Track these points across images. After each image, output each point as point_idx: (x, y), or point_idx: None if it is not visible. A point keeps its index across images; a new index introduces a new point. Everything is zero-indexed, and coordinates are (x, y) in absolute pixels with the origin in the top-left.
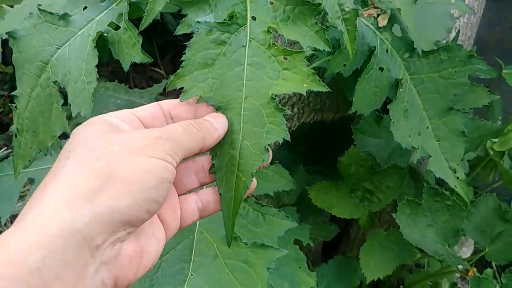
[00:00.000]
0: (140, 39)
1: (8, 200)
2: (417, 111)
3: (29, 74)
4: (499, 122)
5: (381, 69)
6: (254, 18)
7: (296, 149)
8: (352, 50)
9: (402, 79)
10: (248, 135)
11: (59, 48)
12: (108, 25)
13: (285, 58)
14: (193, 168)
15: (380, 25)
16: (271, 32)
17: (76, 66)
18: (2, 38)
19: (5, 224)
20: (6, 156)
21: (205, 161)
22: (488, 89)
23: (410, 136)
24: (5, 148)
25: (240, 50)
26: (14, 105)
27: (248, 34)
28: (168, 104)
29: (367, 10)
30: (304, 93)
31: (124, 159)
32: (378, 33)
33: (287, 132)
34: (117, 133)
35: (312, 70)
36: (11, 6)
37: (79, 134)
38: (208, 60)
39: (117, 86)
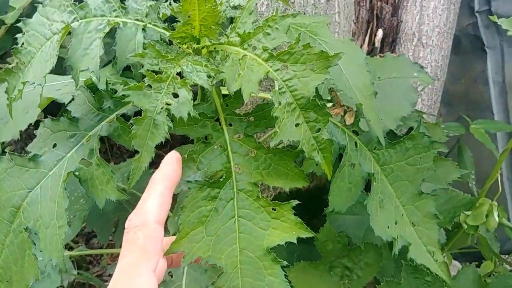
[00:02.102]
0: (114, 176)
1: None
2: (391, 200)
3: (2, 220)
4: (473, 176)
5: (352, 165)
6: (238, 170)
7: None
8: (330, 172)
9: (374, 172)
10: None
11: (30, 191)
12: (80, 162)
13: (274, 209)
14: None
15: (347, 122)
16: (258, 185)
17: (47, 210)
18: None
19: None
20: None
21: None
22: (457, 164)
23: (388, 227)
24: None
25: (229, 204)
26: None
27: (235, 186)
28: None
29: (333, 109)
30: (295, 241)
31: None
32: (346, 130)
33: (287, 282)
34: None
35: (300, 219)
36: None
37: None
38: (202, 218)
39: None
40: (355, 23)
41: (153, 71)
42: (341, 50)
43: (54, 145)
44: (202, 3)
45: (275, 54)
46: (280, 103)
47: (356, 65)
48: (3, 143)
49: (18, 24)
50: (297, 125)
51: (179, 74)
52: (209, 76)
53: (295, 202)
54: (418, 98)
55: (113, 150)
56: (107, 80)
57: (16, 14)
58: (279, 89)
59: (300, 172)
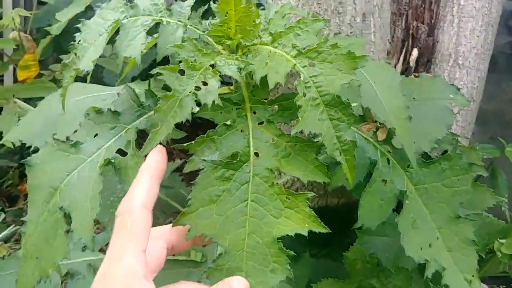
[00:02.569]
0: None
1: None
2: (425, 221)
3: (40, 200)
4: (506, 200)
5: (384, 181)
6: (257, 155)
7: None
8: (352, 178)
9: (406, 190)
10: (252, 273)
11: (68, 175)
12: (116, 152)
13: (288, 198)
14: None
15: (379, 138)
16: (274, 172)
17: (82, 192)
18: None
19: None
20: (13, 234)
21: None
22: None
23: (421, 249)
24: (13, 225)
25: (243, 186)
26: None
27: (251, 170)
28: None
29: (365, 124)
30: (306, 234)
31: None
32: (378, 146)
33: (291, 270)
34: None
35: (313, 212)
36: (21, 99)
37: None
38: (213, 196)
39: None
40: (390, 42)
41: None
42: (376, 72)
43: (96, 135)
44: (238, 3)
45: (303, 52)
46: (304, 95)
47: (391, 88)
48: None
49: (77, 25)
50: (320, 120)
51: (212, 66)
52: (239, 68)
53: (310, 194)
54: (453, 121)
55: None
56: (149, 81)
57: (61, 26)
58: (305, 83)
59: (321, 165)
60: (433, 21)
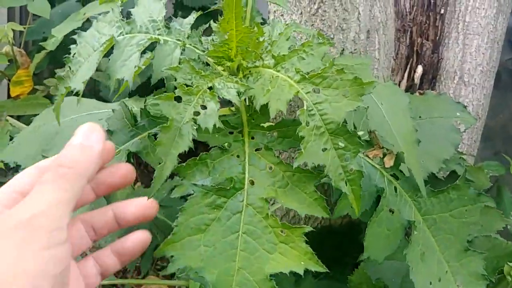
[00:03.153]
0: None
1: None
2: (433, 254)
3: None
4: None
5: (391, 211)
6: (252, 183)
7: None
8: (358, 209)
9: (415, 221)
10: None
11: None
12: None
13: (283, 231)
14: (84, 228)
15: (386, 165)
16: (269, 202)
17: None
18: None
19: None
20: None
21: (95, 218)
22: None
23: (431, 283)
24: None
25: (235, 216)
26: None
27: (245, 199)
28: None
29: (372, 150)
30: (301, 272)
31: None
32: (385, 173)
33: None
34: None
35: (310, 249)
36: (12, 116)
37: None
38: (202, 225)
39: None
40: (394, 59)
41: (185, 85)
42: (384, 93)
43: None
44: (240, 23)
45: (307, 77)
46: (307, 124)
47: (399, 110)
48: None
49: (73, 36)
50: (324, 150)
51: (210, 88)
52: (239, 92)
53: (308, 228)
54: (460, 140)
55: (140, 168)
56: (145, 99)
57: (57, 41)
58: (309, 110)
59: (320, 198)
60: (437, 38)
